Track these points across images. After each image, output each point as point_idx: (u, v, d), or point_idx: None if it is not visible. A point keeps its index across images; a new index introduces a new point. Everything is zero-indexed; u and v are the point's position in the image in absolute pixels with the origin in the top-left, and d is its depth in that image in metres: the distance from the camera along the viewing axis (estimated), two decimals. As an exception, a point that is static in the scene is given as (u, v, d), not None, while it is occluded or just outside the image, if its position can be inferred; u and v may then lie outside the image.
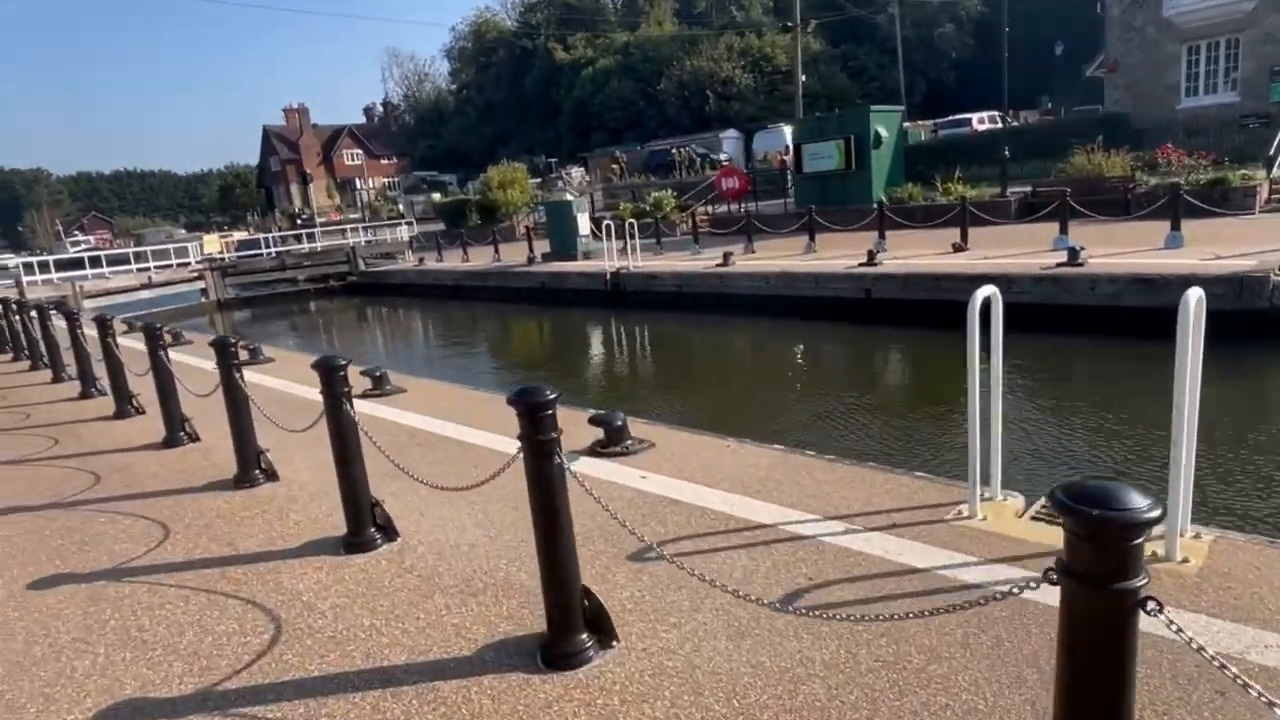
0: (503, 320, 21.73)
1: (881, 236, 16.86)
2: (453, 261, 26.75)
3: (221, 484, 5.74)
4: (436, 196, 55.27)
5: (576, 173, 51.61)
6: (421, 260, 27.35)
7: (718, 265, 16.99)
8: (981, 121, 33.79)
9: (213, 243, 33.31)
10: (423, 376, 10.04)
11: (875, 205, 18.18)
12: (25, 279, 22.70)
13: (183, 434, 6.96)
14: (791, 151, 26.33)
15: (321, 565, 4.24)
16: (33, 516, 5.39)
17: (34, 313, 12.53)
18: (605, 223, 20.21)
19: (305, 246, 30.86)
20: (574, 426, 5.84)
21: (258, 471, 5.64)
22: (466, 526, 4.57)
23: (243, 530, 4.90)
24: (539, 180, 43.95)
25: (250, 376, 7.38)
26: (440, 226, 37.42)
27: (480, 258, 26.38)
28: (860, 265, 14.35)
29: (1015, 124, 31.90)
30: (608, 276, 18.87)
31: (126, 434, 7.67)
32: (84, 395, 9.63)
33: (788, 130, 36.04)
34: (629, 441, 5.69)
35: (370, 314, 26.76)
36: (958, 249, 14.83)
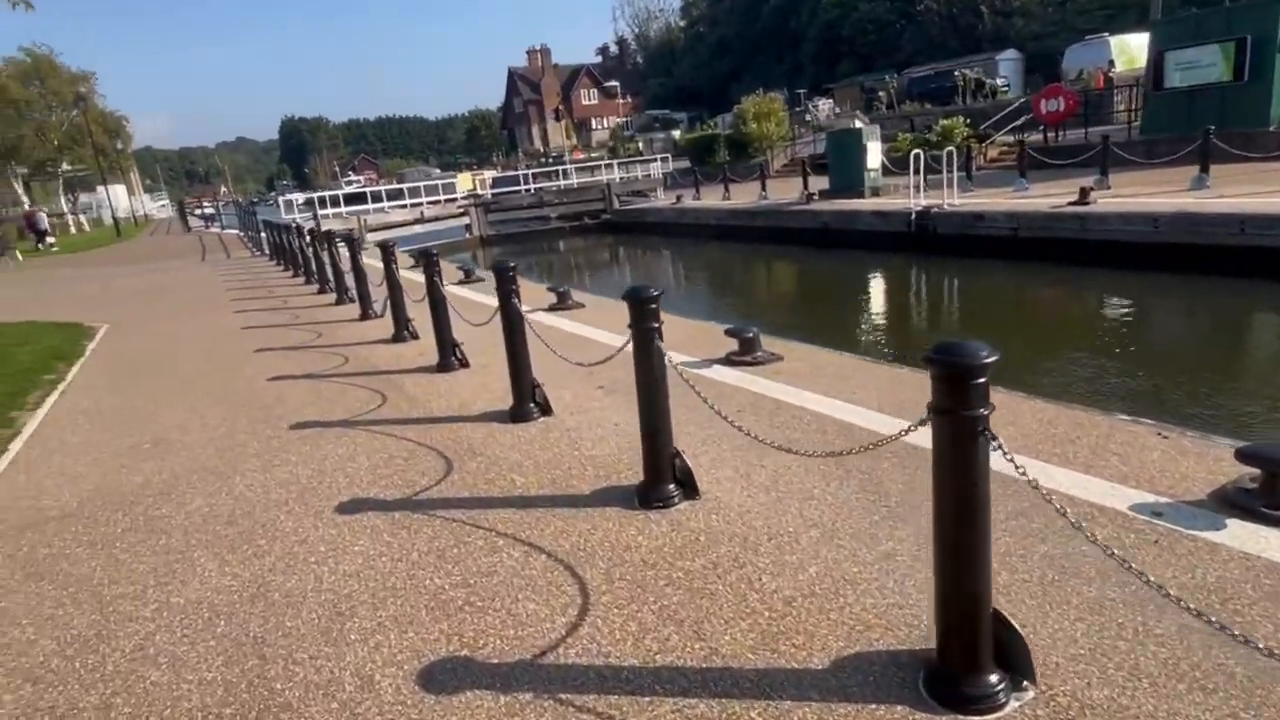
0: (776, 264, 19.97)
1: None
2: (712, 199, 25.01)
3: (496, 414, 5.55)
4: (676, 134, 54.02)
5: (824, 105, 47.91)
6: (679, 198, 26.01)
7: (1071, 204, 13.63)
8: None
9: (466, 180, 34.22)
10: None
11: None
12: (320, 212, 24.27)
13: (454, 359, 7.09)
14: (1117, 67, 21.24)
15: (610, 518, 3.85)
16: (323, 428, 5.21)
17: (316, 241, 13.31)
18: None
19: (560, 183, 30.55)
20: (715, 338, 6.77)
21: (532, 405, 5.42)
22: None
23: (521, 460, 4.68)
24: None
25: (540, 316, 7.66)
26: (677, 165, 35.80)
27: (741, 195, 24.41)
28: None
29: None
30: (912, 216, 16.12)
31: (401, 355, 7.91)
32: (363, 316, 10.19)
33: (1113, 42, 30.10)
34: (759, 353, 6.20)
35: (624, 253, 26.09)
36: None
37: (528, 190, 30.03)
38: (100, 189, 49.90)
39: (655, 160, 32.98)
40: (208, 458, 5.17)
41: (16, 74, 48.64)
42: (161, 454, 5.35)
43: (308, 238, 14.95)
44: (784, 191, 23.17)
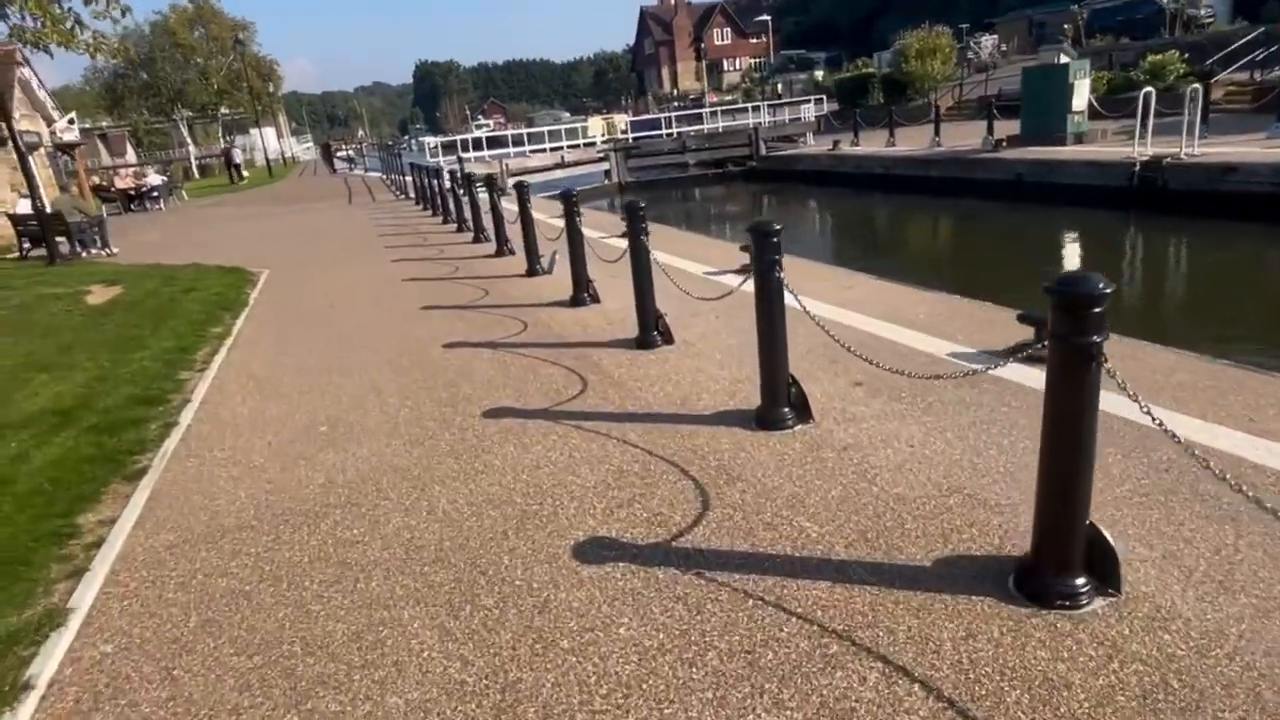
0: (955, 219, 17.65)
1: None
2: (873, 146, 22.77)
3: (623, 342, 5.98)
4: (818, 74, 50.72)
5: (988, 42, 43.65)
6: (835, 144, 23.72)
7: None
8: None
9: (597, 124, 32.99)
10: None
11: None
12: (462, 155, 23.86)
13: (586, 295, 7.39)
14: None
15: (730, 436, 4.12)
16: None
17: (470, 186, 13.06)
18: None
19: (704, 127, 28.89)
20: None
21: (655, 334, 5.81)
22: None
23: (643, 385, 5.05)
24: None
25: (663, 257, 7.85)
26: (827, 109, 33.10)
27: (906, 141, 22.10)
28: None
29: None
30: (1135, 168, 13.65)
31: (538, 290, 8.29)
32: (498, 253, 10.72)
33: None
34: None
35: (771, 203, 24.20)
36: None
37: (669, 135, 28.55)
38: (253, 131, 52.10)
39: (808, 102, 30.50)
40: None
41: (183, 20, 51.23)
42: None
43: (452, 182, 14.46)
44: (956, 138, 20.75)
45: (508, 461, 4.04)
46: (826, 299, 6.46)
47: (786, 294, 3.91)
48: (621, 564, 3.00)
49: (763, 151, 26.74)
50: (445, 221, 15.14)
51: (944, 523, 3.07)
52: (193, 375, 6.31)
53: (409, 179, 20.97)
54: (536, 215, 9.33)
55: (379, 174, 34.63)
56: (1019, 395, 4.19)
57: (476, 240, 12.08)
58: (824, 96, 34.58)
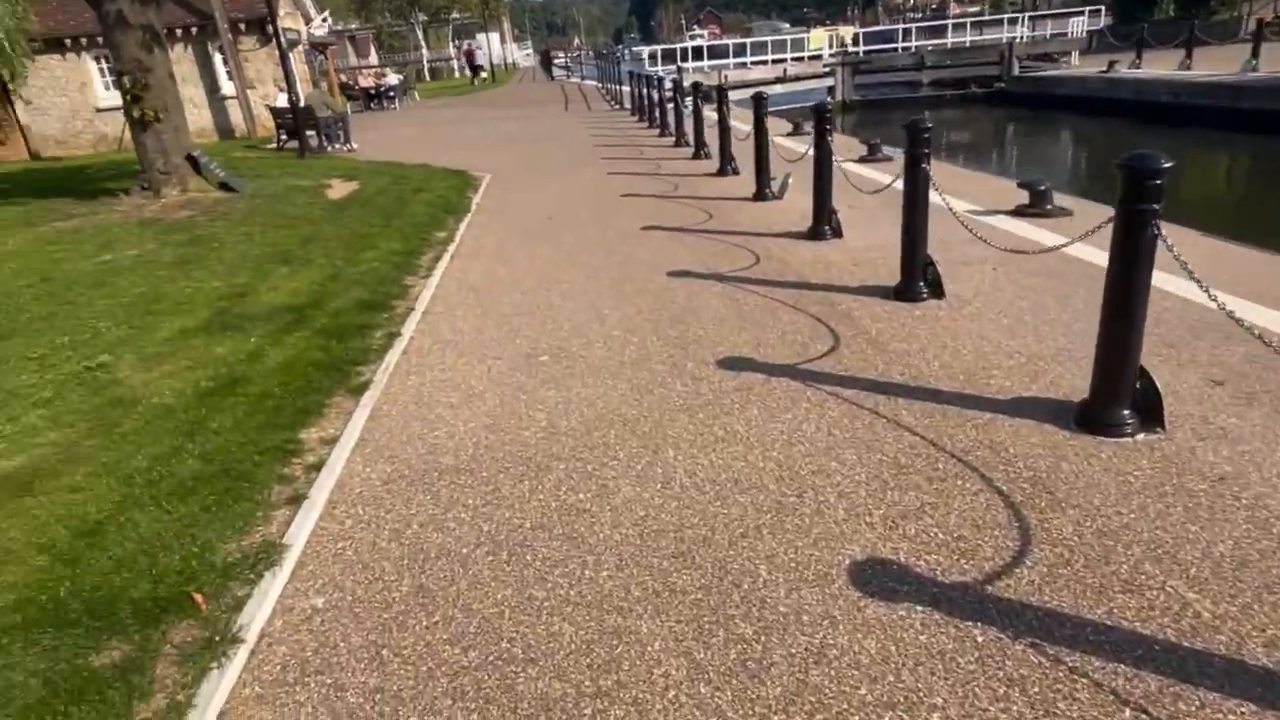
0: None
1: None
2: (1161, 68, 19.08)
3: (876, 289, 5.35)
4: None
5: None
6: (1111, 65, 20.08)
7: None
8: None
9: (819, 37, 30.41)
10: None
11: None
12: (681, 65, 22.89)
13: (827, 228, 6.49)
14: None
15: (1043, 432, 3.33)
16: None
17: (694, 96, 12.41)
18: None
19: (946, 41, 25.72)
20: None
21: (922, 284, 4.96)
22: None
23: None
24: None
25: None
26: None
27: (1205, 64, 18.27)
28: None
29: None
30: None
31: (767, 216, 7.58)
32: (720, 172, 9.94)
33: None
34: (1049, 206, 6.53)
35: (1019, 132, 21.20)
36: None
37: (904, 49, 25.72)
38: (479, 36, 53.76)
39: (1079, 13, 26.04)
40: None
41: (424, -78, 53.12)
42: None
43: (674, 93, 13.71)
44: (1276, 62, 16.81)
45: (752, 429, 3.39)
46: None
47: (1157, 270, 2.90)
48: (920, 609, 2.27)
49: (1015, 71, 23.34)
50: (662, 134, 14.48)
51: None
52: (417, 281, 6.19)
53: (625, 89, 20.43)
54: (738, 125, 8.41)
55: (594, 82, 34.47)
56: None
57: (696, 156, 11.32)
58: (1100, 7, 29.54)
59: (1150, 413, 3.10)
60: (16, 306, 6.03)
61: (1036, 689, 1.95)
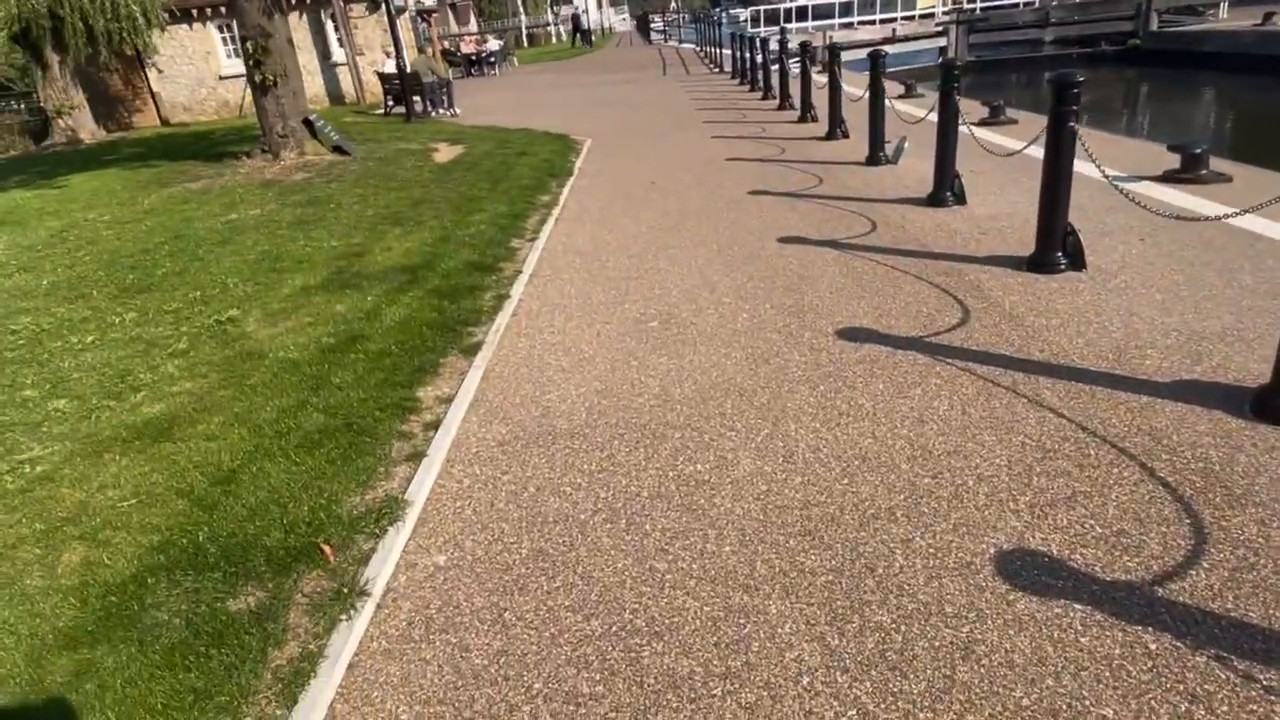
0: None
1: None
2: (1325, 20, 17.12)
3: (1006, 259, 4.96)
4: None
5: None
6: (1268, 16, 18.14)
7: None
8: None
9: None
10: None
11: None
12: (785, 26, 22.08)
13: (949, 194, 6.04)
14: None
15: (1212, 419, 3.04)
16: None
17: (803, 59, 12.13)
18: None
19: (1075, -5, 23.87)
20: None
21: (1060, 255, 4.55)
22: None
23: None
24: None
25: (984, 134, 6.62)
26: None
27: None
28: None
29: None
30: None
31: (880, 182, 7.13)
32: (829, 135, 9.52)
33: None
34: (1204, 172, 5.86)
35: (1155, 94, 19.47)
36: None
37: (1026, 4, 24.00)
38: (576, 1, 53.57)
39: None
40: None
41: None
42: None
43: (779, 53, 13.21)
44: None
45: (879, 405, 3.20)
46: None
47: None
48: (1078, 607, 2.07)
49: (1153, 26, 21.41)
50: (765, 97, 14.02)
51: None
52: (523, 244, 6.20)
53: (725, 52, 19.90)
54: (848, 88, 7.98)
55: (692, 46, 33.79)
56: None
57: (803, 120, 10.88)
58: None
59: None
60: (153, 262, 6.39)
61: (1226, 708, 1.75)
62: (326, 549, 2.50)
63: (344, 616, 2.24)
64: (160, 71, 20.52)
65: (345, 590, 2.33)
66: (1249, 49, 17.65)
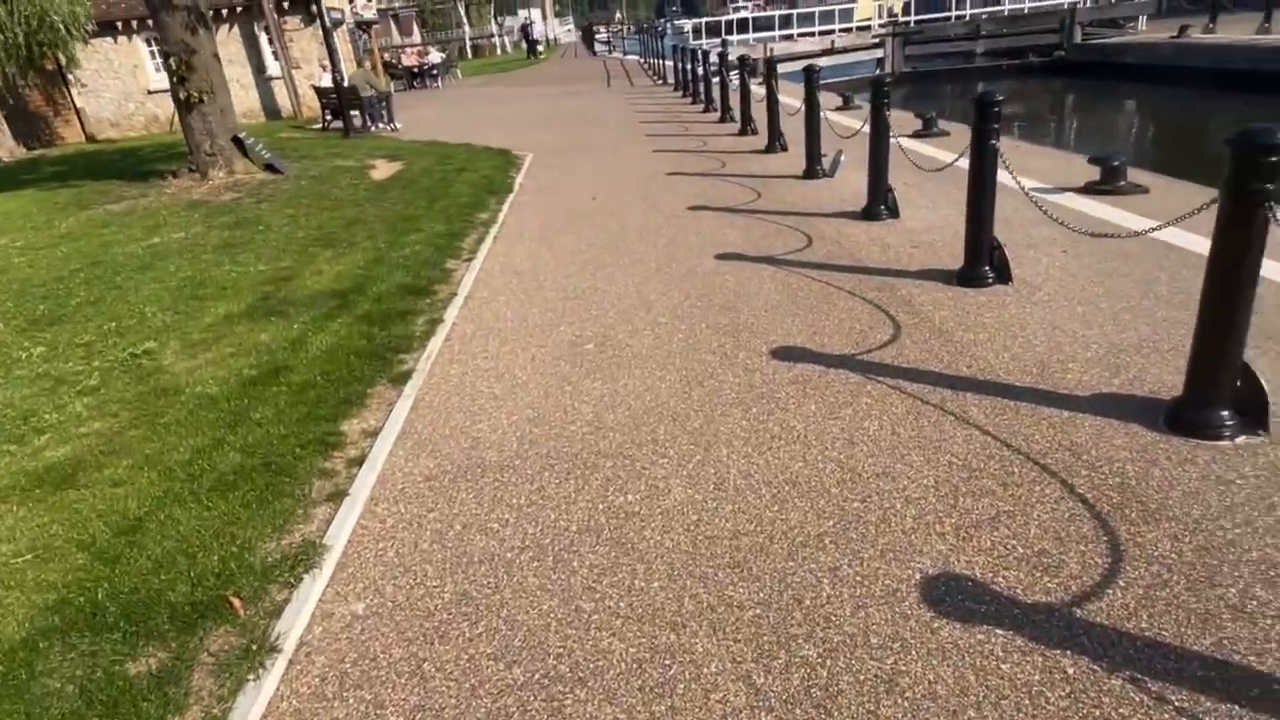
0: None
1: None
2: (1236, 31, 18.01)
3: (937, 273, 3.71)
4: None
5: None
6: (1183, 29, 19.01)
7: None
8: None
9: (866, 6, 29.44)
10: None
11: None
12: (726, 39, 22.38)
13: (883, 207, 6.11)
14: None
15: (1130, 433, 3.40)
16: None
17: (741, 71, 12.19)
18: None
19: (1004, 8, 24.69)
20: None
21: (987, 269, 4.71)
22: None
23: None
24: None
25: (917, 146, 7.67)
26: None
27: (1286, 28, 17.20)
28: None
29: None
30: None
31: (818, 196, 6.59)
32: (769, 149, 9.57)
33: None
34: (1123, 183, 6.08)
35: (1081, 103, 20.25)
36: None
37: (958, 17, 24.76)
38: (520, 12, 53.55)
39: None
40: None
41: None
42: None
43: (719, 67, 13.36)
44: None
45: (810, 427, 3.20)
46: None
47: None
48: (1000, 633, 2.08)
49: (1077, 39, 22.27)
50: (707, 110, 14.14)
51: None
52: (459, 265, 6.09)
53: (668, 64, 20.05)
54: (786, 100, 8.09)
55: (636, 57, 33.98)
56: None
57: (743, 133, 11.01)
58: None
59: (1252, 414, 2.83)
60: (67, 291, 6.10)
61: (1141, 734, 1.76)
62: (236, 602, 2.38)
63: (251, 676, 2.13)
64: (84, 86, 19.79)
65: (254, 647, 2.22)
66: (1168, 60, 18.49)
